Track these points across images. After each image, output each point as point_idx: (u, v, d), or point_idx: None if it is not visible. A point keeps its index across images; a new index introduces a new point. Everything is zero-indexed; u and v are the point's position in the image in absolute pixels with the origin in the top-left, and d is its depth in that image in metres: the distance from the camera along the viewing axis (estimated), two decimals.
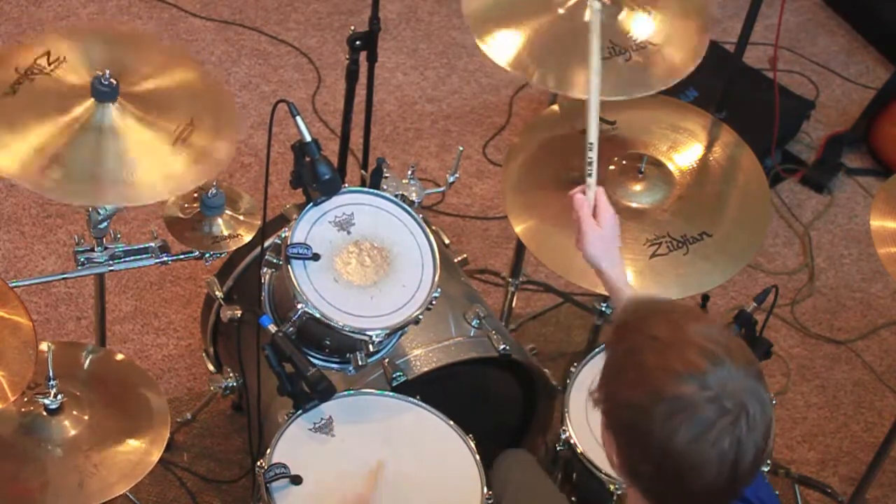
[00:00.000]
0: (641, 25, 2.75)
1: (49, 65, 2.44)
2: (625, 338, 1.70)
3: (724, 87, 3.24)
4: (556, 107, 2.97)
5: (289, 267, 2.38)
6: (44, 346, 2.34)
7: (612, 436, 1.72)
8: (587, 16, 2.55)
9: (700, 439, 1.61)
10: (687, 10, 2.81)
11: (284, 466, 2.31)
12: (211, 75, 2.62)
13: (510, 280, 3.26)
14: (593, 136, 2.36)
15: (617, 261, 2.23)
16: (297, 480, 2.31)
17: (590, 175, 2.31)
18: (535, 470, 2.57)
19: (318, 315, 2.35)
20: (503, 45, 2.73)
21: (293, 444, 2.38)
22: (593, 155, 2.33)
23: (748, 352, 1.68)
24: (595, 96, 2.42)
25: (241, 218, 2.70)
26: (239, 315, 2.75)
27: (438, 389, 2.59)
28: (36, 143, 2.34)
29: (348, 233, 2.48)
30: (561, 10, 2.76)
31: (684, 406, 1.61)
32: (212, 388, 2.91)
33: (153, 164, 2.40)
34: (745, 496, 1.84)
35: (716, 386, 1.61)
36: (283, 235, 2.45)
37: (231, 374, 2.88)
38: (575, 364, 2.69)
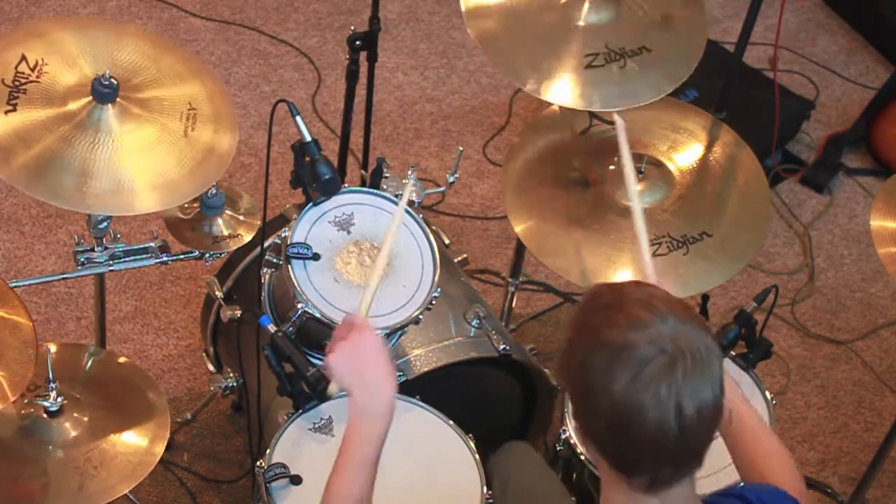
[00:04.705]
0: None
1: (31, 71, 2.37)
2: (578, 321, 1.71)
3: (724, 87, 3.24)
4: (556, 107, 2.97)
5: (289, 267, 2.38)
6: (46, 349, 2.33)
7: (571, 405, 1.75)
8: (617, 122, 2.60)
9: (635, 379, 1.60)
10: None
11: (284, 466, 2.31)
12: (190, 56, 2.60)
13: (510, 280, 3.26)
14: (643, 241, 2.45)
15: None
16: (296, 480, 2.31)
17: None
18: (538, 463, 2.57)
19: (318, 315, 2.35)
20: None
21: (293, 444, 2.37)
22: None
23: (694, 312, 1.69)
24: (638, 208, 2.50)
25: (241, 218, 2.70)
26: (239, 315, 2.75)
27: (438, 389, 2.59)
28: (66, 162, 2.30)
29: (348, 233, 2.48)
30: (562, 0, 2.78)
31: (622, 350, 1.61)
32: (212, 388, 2.91)
33: (175, 158, 2.37)
34: (745, 496, 1.84)
35: (656, 334, 1.61)
36: (283, 235, 2.45)
37: (231, 374, 2.88)
38: None
